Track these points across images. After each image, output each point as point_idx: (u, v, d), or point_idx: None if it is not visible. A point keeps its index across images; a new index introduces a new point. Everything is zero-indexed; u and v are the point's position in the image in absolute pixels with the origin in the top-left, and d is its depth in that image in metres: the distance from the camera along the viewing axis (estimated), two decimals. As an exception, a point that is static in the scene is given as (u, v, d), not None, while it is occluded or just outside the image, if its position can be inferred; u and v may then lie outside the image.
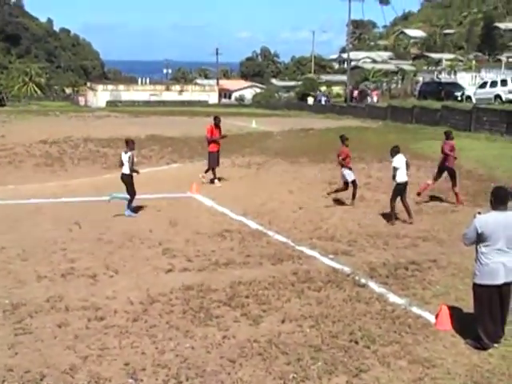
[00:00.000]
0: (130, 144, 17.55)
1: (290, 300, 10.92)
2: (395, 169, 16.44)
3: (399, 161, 16.46)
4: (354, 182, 18.71)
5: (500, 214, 8.92)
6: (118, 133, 38.11)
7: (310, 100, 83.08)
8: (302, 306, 10.66)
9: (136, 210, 17.82)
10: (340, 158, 18.51)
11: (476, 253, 9.07)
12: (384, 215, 17.33)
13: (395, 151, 16.63)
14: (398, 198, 16.70)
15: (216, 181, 22.53)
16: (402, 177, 16.44)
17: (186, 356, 8.68)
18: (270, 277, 12.10)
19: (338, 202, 19.11)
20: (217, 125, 22.69)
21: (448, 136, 19.24)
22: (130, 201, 17.62)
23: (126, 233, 15.38)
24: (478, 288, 9.08)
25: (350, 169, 18.64)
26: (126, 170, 17.44)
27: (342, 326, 9.77)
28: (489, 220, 8.88)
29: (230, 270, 12.57)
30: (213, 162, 22.59)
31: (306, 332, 9.57)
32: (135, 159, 17.99)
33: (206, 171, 22.71)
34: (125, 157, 17.43)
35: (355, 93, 73.97)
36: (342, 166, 18.64)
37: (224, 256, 13.48)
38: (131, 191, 17.52)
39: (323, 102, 78.32)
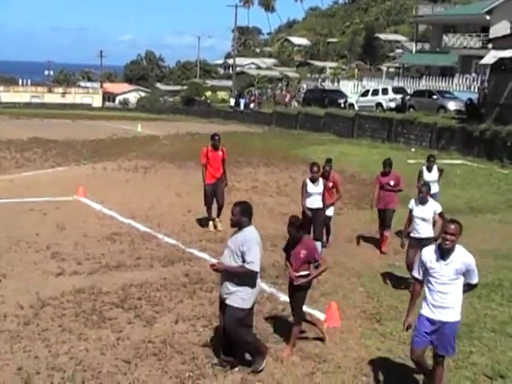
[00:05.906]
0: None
1: (182, 301, 11.03)
2: None
3: None
4: None
5: None
6: (-2, 135, 37.00)
7: (232, 102, 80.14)
8: (194, 306, 10.80)
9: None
10: None
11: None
12: (273, 218, 17.68)
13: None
14: None
15: (210, 223, 16.79)
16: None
17: (81, 358, 8.62)
18: (161, 279, 12.16)
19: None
20: (215, 146, 16.42)
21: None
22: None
23: (11, 237, 14.83)
24: None
25: None
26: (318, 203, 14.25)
27: (235, 325, 9.95)
28: None
29: (120, 273, 12.52)
30: (205, 197, 16.81)
31: (200, 331, 9.72)
32: None
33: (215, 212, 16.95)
34: (317, 188, 14.12)
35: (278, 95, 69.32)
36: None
37: (114, 259, 13.39)
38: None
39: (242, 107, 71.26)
